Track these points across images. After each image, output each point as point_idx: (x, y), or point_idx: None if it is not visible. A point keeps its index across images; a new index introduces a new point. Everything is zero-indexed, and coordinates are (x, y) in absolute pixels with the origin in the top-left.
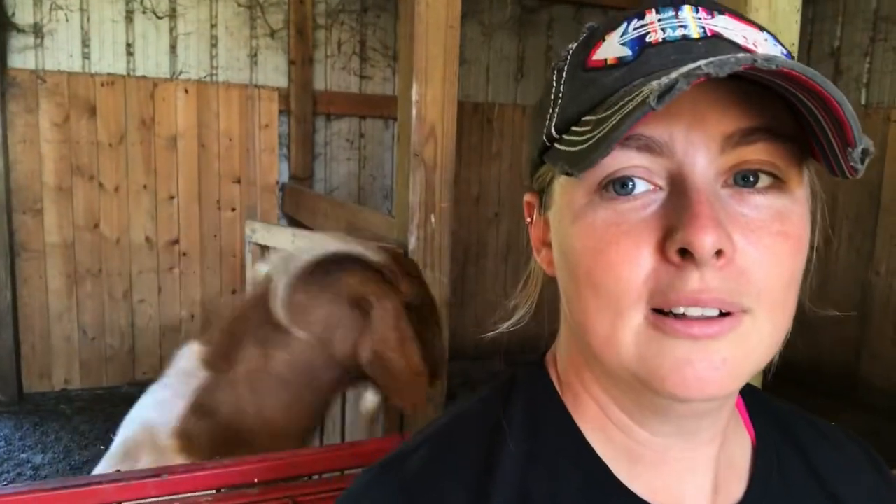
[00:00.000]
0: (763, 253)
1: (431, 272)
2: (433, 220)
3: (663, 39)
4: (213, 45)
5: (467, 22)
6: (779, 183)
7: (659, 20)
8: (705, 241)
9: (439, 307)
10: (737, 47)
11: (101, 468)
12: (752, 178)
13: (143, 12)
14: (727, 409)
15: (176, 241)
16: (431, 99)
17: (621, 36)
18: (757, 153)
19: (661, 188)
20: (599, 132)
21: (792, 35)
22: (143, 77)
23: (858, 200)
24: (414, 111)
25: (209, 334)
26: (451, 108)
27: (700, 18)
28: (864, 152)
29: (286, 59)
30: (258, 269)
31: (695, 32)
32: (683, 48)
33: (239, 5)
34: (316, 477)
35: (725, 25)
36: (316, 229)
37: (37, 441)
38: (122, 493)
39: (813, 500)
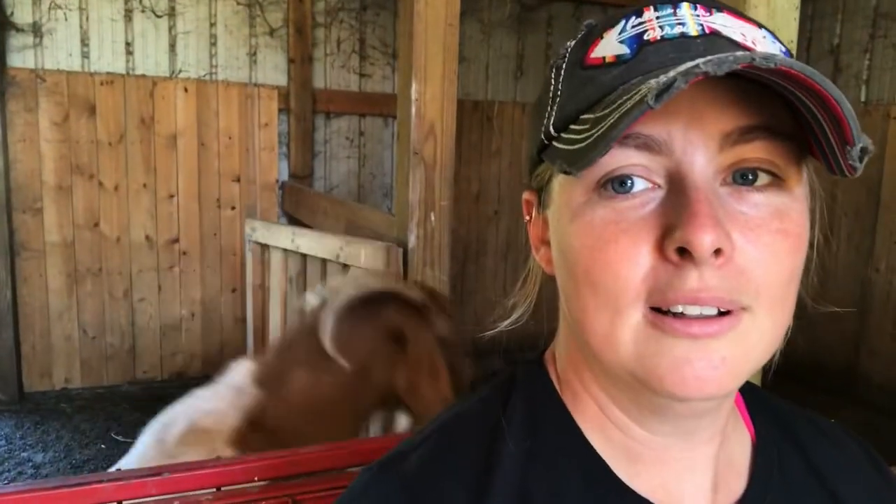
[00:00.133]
0: (762, 251)
1: (431, 270)
2: (433, 218)
3: (661, 37)
4: (213, 44)
5: (466, 20)
6: (777, 181)
7: (657, 18)
8: (704, 239)
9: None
10: (735, 45)
11: (140, 460)
12: (750, 177)
13: (143, 11)
14: (726, 407)
15: (176, 240)
16: (431, 97)
17: (619, 34)
18: (755, 151)
19: (659, 187)
20: (598, 131)
21: (790, 32)
22: (143, 76)
23: (858, 198)
24: (413, 109)
25: (262, 356)
26: (450, 106)
27: (698, 16)
28: (863, 151)
29: (285, 58)
30: (308, 301)
31: (693, 30)
32: (682, 46)
33: (238, 4)
34: (316, 475)
35: (724, 23)
36: (316, 228)
37: (37, 440)
38: (122, 491)
39: (813, 498)
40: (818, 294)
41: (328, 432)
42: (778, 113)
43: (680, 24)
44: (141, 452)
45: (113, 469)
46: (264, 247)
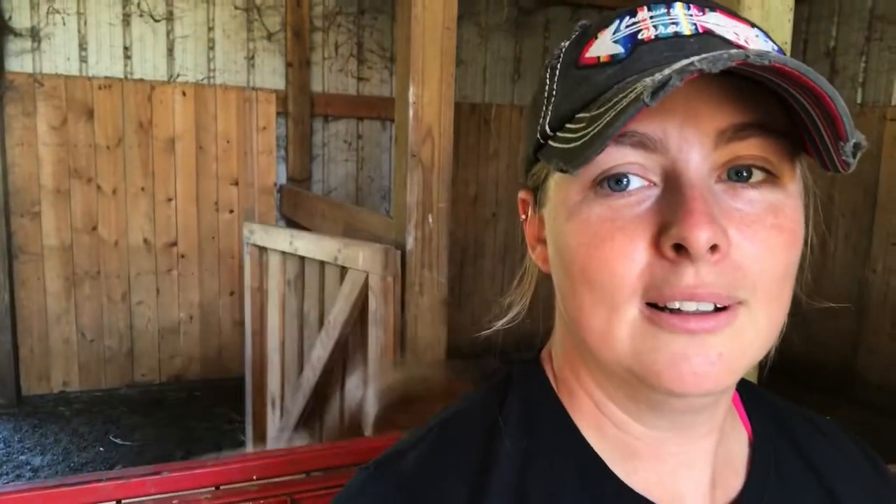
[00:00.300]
0: (758, 247)
1: (429, 272)
2: (431, 220)
3: (655, 36)
4: (211, 48)
5: (464, 23)
6: (772, 178)
7: (651, 17)
8: (700, 236)
9: (438, 306)
10: (728, 44)
11: None
12: (745, 174)
13: (140, 16)
14: (724, 403)
15: (174, 243)
16: (428, 100)
17: (613, 33)
18: (750, 148)
19: (655, 184)
20: (594, 129)
21: (784, 34)
22: (141, 80)
23: (855, 199)
24: (411, 112)
25: None
26: (447, 109)
27: (691, 15)
28: (856, 146)
29: (283, 62)
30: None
31: (686, 29)
32: (676, 45)
33: (236, 8)
34: (315, 474)
35: (717, 22)
36: (314, 230)
37: (36, 443)
38: (121, 490)
39: (810, 495)
40: (815, 294)
41: None
42: (771, 110)
43: (673, 23)
44: None
45: None
46: (262, 249)
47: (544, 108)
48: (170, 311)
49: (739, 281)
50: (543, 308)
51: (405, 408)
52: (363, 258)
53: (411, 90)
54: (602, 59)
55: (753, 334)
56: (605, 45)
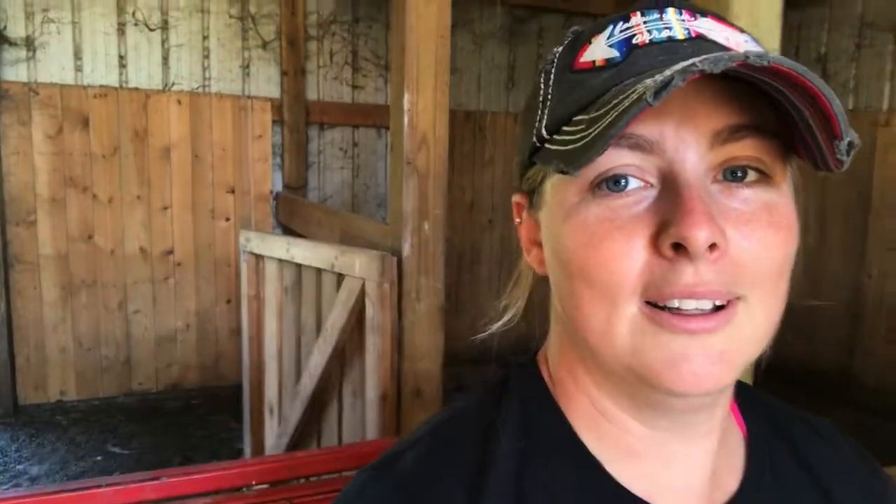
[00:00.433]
0: (755, 244)
1: (426, 279)
2: (427, 227)
3: (650, 41)
4: (206, 57)
5: (458, 31)
6: (765, 177)
7: (644, 22)
8: (699, 235)
9: (435, 312)
10: (720, 48)
11: None
12: (740, 174)
13: (135, 25)
14: (723, 403)
15: (170, 252)
16: (423, 107)
17: (608, 38)
18: (745, 149)
19: (652, 185)
20: (595, 130)
21: (773, 42)
22: (136, 89)
23: (848, 204)
24: (406, 120)
25: None
26: (442, 116)
27: (684, 20)
28: (850, 145)
29: (278, 70)
30: None
31: (680, 34)
32: (670, 49)
33: (230, 17)
34: (314, 478)
35: (709, 27)
36: (310, 238)
37: (33, 452)
38: (120, 496)
39: (806, 495)
40: (811, 297)
41: None
42: (763, 111)
43: (667, 28)
44: None
45: None
46: (259, 257)
47: (539, 112)
48: (167, 319)
49: (738, 277)
50: (540, 312)
51: None
52: (360, 265)
53: (406, 98)
54: (597, 63)
55: (752, 330)
56: (600, 50)
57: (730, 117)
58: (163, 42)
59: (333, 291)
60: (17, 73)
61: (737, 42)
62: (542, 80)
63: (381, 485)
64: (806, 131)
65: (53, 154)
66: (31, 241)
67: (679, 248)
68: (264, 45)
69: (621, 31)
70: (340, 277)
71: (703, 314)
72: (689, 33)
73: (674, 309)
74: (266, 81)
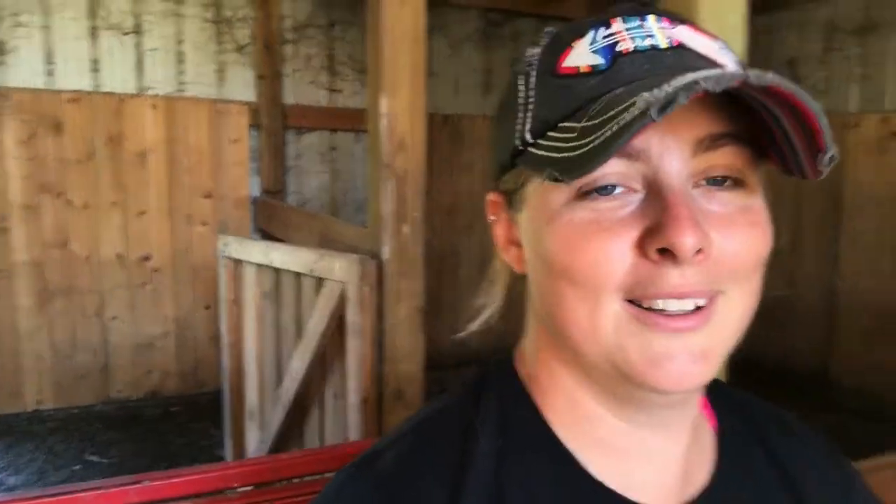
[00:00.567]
0: (736, 244)
1: (406, 281)
2: (406, 230)
3: (634, 49)
4: (181, 61)
5: (434, 35)
6: (741, 182)
7: (627, 29)
8: (687, 241)
9: (415, 315)
10: (700, 57)
11: None
12: (719, 179)
13: (108, 29)
14: (697, 398)
15: (148, 258)
16: (400, 111)
17: (591, 44)
18: (724, 157)
19: (636, 191)
20: (594, 141)
21: (738, 45)
22: (110, 93)
23: (822, 207)
24: (383, 123)
25: None
26: (419, 119)
27: (664, 28)
28: (831, 157)
29: (254, 74)
30: None
31: (662, 42)
32: (654, 58)
33: (205, 21)
34: (296, 480)
35: (687, 36)
36: (289, 242)
37: (10, 463)
38: (101, 500)
39: (776, 490)
40: (787, 300)
41: None
42: (738, 119)
43: (649, 36)
44: None
45: None
46: (238, 262)
47: (521, 115)
48: (145, 326)
49: (719, 276)
50: (515, 311)
51: None
52: (339, 269)
53: (383, 102)
54: (582, 70)
55: (731, 321)
56: (584, 56)
57: (711, 126)
58: (136, 46)
59: (313, 295)
60: None
61: (712, 50)
62: (521, 82)
63: (360, 483)
64: (783, 142)
65: (26, 160)
66: (4, 248)
67: (665, 251)
68: (240, 49)
69: (604, 38)
70: (320, 281)
71: (686, 314)
72: (670, 42)
73: (657, 309)
74: (242, 85)
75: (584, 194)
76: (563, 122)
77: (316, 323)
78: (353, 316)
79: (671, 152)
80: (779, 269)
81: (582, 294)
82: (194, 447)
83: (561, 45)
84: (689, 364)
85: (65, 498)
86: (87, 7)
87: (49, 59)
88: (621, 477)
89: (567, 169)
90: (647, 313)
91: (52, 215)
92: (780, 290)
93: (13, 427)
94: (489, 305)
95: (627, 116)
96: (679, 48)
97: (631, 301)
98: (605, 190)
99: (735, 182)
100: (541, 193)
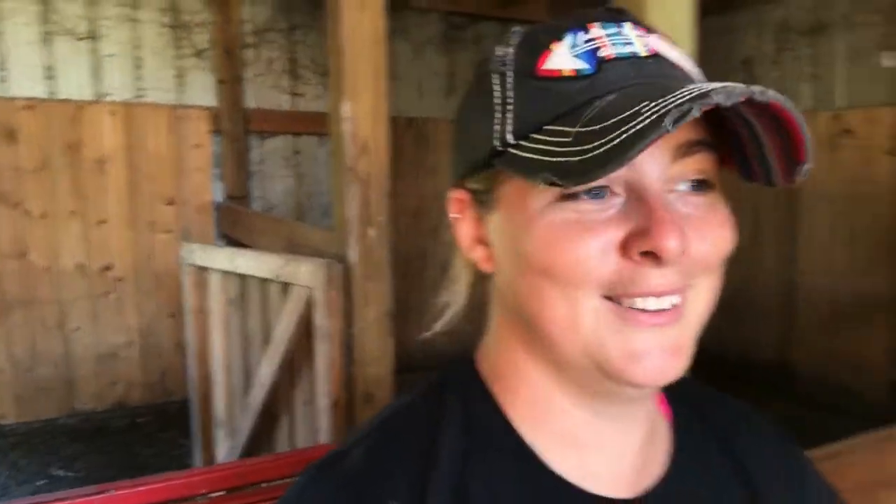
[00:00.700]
0: (710, 243)
1: (373, 285)
2: (371, 233)
3: (616, 55)
4: (138, 67)
5: (396, 39)
6: (709, 185)
7: (607, 35)
8: (671, 245)
9: (383, 318)
10: (674, 66)
11: None
12: (691, 183)
13: (63, 34)
14: (655, 391)
15: (109, 267)
16: (362, 115)
17: (573, 48)
18: (698, 163)
19: (618, 195)
20: (601, 147)
21: (686, 46)
22: (67, 100)
23: (780, 206)
24: (345, 127)
25: None
26: (382, 123)
27: (640, 36)
28: (807, 169)
29: (214, 79)
30: None
31: (641, 50)
32: (636, 65)
33: (162, 26)
34: (265, 485)
35: (661, 45)
36: (254, 248)
37: None
38: None
39: (729, 480)
40: (747, 295)
41: None
42: (707, 125)
43: (628, 43)
44: None
45: None
46: (202, 269)
47: (500, 115)
48: (108, 336)
49: (693, 272)
50: (479, 311)
51: None
52: (306, 273)
53: (345, 106)
54: (566, 73)
55: (698, 314)
56: (566, 59)
57: (688, 133)
58: (92, 52)
59: (280, 301)
60: None
61: (682, 59)
62: (496, 81)
63: (322, 485)
64: (753, 150)
65: None
66: None
67: (647, 253)
68: (199, 54)
69: (585, 42)
70: (286, 287)
71: (663, 311)
72: (647, 50)
73: (636, 308)
74: (202, 90)
75: (568, 196)
76: (549, 125)
77: (283, 328)
78: (320, 320)
79: (654, 158)
80: (739, 264)
81: (562, 291)
82: (163, 457)
83: (538, 47)
84: (666, 359)
85: None
86: (37, 13)
87: (1, 65)
88: (579, 469)
89: (568, 174)
90: (626, 311)
91: (9, 225)
92: (739, 283)
93: None
94: (452, 304)
95: (638, 125)
96: (657, 57)
97: (609, 298)
98: (593, 193)
99: (704, 184)
100: (520, 194)
